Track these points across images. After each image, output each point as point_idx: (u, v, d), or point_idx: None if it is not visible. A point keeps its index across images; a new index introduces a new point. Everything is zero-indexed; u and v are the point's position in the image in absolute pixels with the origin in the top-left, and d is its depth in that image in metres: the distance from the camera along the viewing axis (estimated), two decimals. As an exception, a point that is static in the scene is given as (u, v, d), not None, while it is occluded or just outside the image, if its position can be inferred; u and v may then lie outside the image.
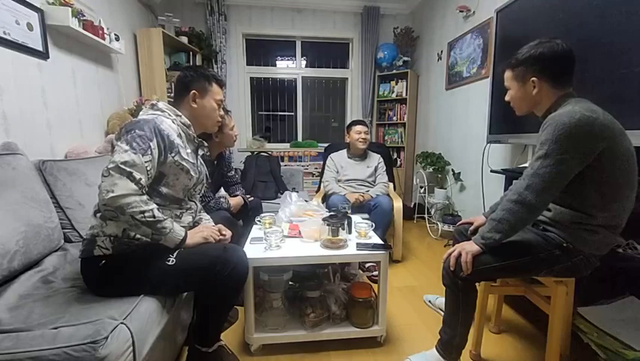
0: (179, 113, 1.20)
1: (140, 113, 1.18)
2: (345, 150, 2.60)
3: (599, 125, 0.94)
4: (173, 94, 1.27)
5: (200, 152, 1.31)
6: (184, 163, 1.14)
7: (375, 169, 2.53)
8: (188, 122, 1.22)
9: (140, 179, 0.98)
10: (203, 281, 1.07)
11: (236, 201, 1.92)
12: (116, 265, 1.02)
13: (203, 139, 1.30)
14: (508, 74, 1.16)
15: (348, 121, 4.06)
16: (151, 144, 1.02)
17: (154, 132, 1.05)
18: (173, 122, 1.17)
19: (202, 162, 1.32)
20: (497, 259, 1.07)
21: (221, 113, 1.34)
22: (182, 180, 1.16)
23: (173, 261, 1.05)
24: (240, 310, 1.58)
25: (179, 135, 1.17)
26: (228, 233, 1.29)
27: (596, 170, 0.96)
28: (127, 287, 1.02)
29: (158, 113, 1.15)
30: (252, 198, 2.12)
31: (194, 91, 1.21)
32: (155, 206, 1.02)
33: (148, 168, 1.00)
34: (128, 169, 0.96)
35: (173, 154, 1.10)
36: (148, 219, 0.99)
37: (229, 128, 1.79)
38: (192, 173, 1.17)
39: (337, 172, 2.53)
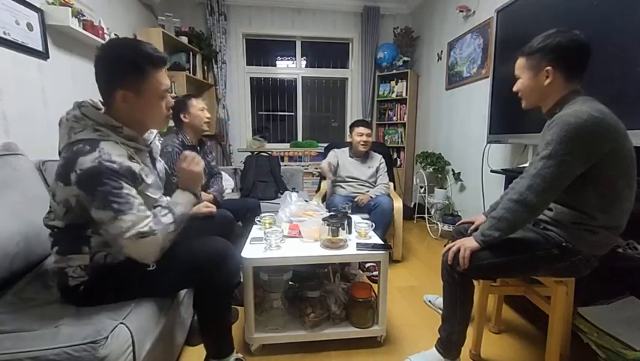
0: (118, 125, 0.94)
1: (72, 128, 0.91)
2: (347, 149, 2.61)
3: (606, 126, 0.93)
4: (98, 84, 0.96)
5: (155, 154, 1.15)
6: (149, 193, 1.01)
7: (377, 170, 2.53)
8: (134, 134, 0.99)
9: (144, 226, 0.90)
10: (194, 274, 1.03)
11: (206, 197, 1.81)
12: (97, 285, 0.97)
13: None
14: (520, 62, 1.13)
15: (348, 121, 4.10)
16: (125, 192, 0.89)
17: (116, 177, 0.87)
18: (116, 142, 0.93)
19: (159, 164, 1.18)
20: (495, 255, 1.07)
21: (171, 102, 1.06)
22: (150, 201, 1.03)
23: (153, 266, 0.98)
24: (240, 310, 1.58)
25: (131, 156, 0.95)
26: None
27: (597, 171, 0.96)
28: (117, 298, 0.99)
29: (97, 136, 0.90)
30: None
31: (122, 92, 0.92)
32: (167, 219, 0.96)
33: (141, 211, 0.91)
34: (134, 230, 0.88)
35: (140, 186, 0.97)
36: (175, 226, 0.97)
37: (198, 108, 1.83)
38: (156, 191, 1.05)
39: (337, 165, 2.52)
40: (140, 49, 0.93)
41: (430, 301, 1.76)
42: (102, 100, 0.97)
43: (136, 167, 0.95)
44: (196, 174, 1.09)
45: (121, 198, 0.87)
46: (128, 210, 0.88)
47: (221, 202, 1.98)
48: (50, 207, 0.98)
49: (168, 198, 1.10)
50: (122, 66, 0.92)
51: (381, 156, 2.59)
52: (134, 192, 0.91)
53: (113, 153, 0.89)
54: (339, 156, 2.56)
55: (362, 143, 2.46)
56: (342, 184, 2.50)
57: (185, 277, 1.07)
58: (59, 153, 0.95)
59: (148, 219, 0.92)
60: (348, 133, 2.62)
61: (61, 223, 0.94)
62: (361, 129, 2.47)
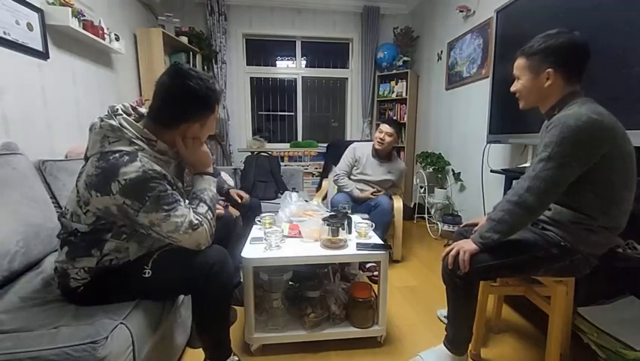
0: (153, 139, 0.97)
1: (106, 137, 0.92)
2: (371, 145, 2.46)
3: (604, 128, 0.93)
4: (157, 105, 0.98)
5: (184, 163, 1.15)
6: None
7: (396, 179, 2.45)
8: (166, 148, 1.00)
9: (193, 217, 0.96)
10: (189, 284, 1.02)
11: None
12: (96, 286, 0.98)
13: None
14: (520, 63, 1.11)
15: (348, 121, 4.12)
16: (170, 192, 0.94)
17: (160, 180, 0.92)
18: (149, 156, 0.95)
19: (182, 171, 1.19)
20: (495, 257, 1.07)
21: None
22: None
23: (148, 273, 0.99)
24: (239, 310, 1.58)
25: (162, 167, 0.97)
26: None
27: (596, 172, 0.96)
28: (116, 299, 0.99)
29: (133, 149, 0.92)
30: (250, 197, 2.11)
31: (195, 124, 1.00)
32: (202, 208, 1.02)
33: (186, 205, 0.98)
34: (186, 223, 0.93)
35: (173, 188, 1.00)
36: (211, 211, 1.03)
37: None
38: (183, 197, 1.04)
39: (353, 166, 2.44)
40: (212, 86, 1.00)
41: (445, 316, 1.58)
42: (161, 121, 0.99)
43: (168, 176, 0.98)
44: (202, 153, 1.10)
45: (169, 198, 0.93)
46: (177, 206, 0.94)
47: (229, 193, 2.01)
48: (70, 209, 0.96)
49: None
50: (199, 103, 0.99)
51: (404, 165, 2.51)
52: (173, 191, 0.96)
53: (149, 162, 0.92)
54: (358, 152, 2.45)
55: (379, 140, 2.36)
56: (352, 180, 2.44)
57: (179, 286, 1.07)
58: (86, 158, 0.96)
59: (192, 211, 0.98)
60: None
61: (86, 228, 0.94)
62: (383, 127, 2.36)
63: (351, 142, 2.57)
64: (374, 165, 2.43)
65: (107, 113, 0.96)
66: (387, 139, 2.34)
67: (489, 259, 1.06)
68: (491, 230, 1.05)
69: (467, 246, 1.08)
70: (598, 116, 0.93)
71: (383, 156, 2.43)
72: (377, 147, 2.39)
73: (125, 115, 0.96)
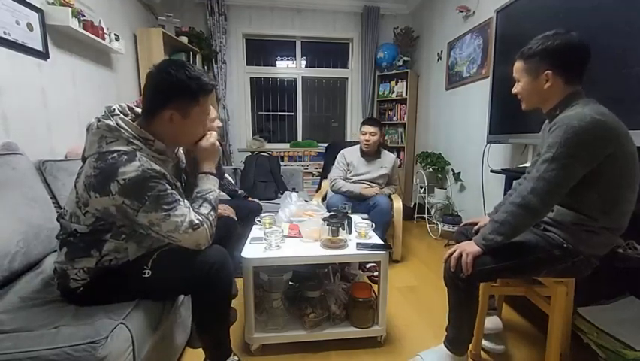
0: (151, 139, 0.97)
1: (103, 137, 0.92)
2: (358, 147, 2.49)
3: (608, 128, 0.93)
4: (145, 97, 1.00)
5: (182, 164, 1.18)
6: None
7: (390, 171, 2.45)
8: (163, 148, 1.00)
9: (193, 216, 0.96)
10: (189, 284, 1.02)
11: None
12: (96, 286, 0.98)
13: None
14: (518, 65, 1.11)
15: (348, 121, 4.11)
16: (170, 191, 0.93)
17: (159, 179, 0.91)
18: (147, 155, 0.94)
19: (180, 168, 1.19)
20: (498, 259, 1.06)
21: (207, 126, 1.15)
22: None
23: (148, 273, 0.99)
24: (239, 310, 1.58)
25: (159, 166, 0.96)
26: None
27: (599, 173, 0.96)
28: (116, 299, 0.99)
29: (131, 149, 0.92)
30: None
31: (171, 112, 0.96)
32: (205, 209, 1.02)
33: (186, 205, 0.98)
34: (186, 223, 0.93)
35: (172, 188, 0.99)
36: (214, 212, 1.04)
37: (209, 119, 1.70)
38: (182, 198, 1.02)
39: (346, 171, 2.46)
40: (196, 75, 0.97)
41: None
42: (147, 111, 0.99)
43: (167, 175, 0.98)
44: (211, 146, 1.11)
45: (168, 198, 0.92)
46: (177, 206, 0.93)
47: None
48: (69, 210, 0.96)
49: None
50: (176, 89, 0.95)
51: (394, 157, 2.50)
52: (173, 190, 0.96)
53: (148, 162, 0.92)
54: (348, 156, 2.49)
55: (364, 142, 2.39)
56: (349, 182, 2.44)
57: (179, 286, 1.07)
58: (83, 159, 0.95)
59: (193, 211, 0.98)
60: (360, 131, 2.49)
61: (85, 228, 0.94)
62: (365, 127, 2.38)
63: (352, 143, 2.57)
64: (366, 165, 2.46)
65: (103, 114, 0.96)
66: (372, 139, 2.37)
67: (491, 262, 1.06)
68: (494, 232, 1.04)
69: (470, 248, 1.07)
70: (601, 117, 0.93)
71: (372, 154, 2.46)
72: (364, 149, 2.43)
73: (122, 115, 0.96)
